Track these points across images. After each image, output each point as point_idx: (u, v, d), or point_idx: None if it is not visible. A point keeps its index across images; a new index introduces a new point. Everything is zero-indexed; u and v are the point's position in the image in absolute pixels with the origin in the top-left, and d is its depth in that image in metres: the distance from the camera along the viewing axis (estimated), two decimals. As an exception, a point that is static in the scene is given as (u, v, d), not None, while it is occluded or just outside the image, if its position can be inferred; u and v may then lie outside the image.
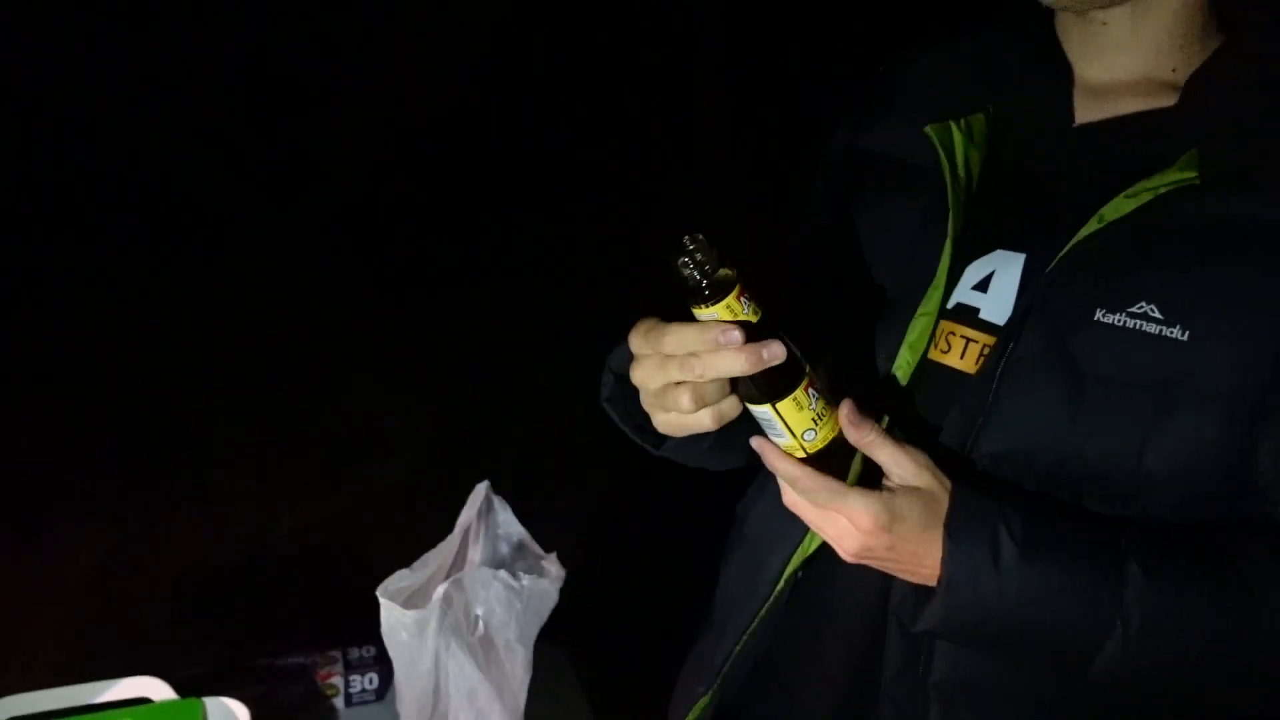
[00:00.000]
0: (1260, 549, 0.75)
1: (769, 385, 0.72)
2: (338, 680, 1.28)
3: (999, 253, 0.83)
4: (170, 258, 4.93)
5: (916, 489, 0.74)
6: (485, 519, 1.14)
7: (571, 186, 5.91)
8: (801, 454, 0.74)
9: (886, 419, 0.83)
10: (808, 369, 0.72)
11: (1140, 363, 0.75)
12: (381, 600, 1.01)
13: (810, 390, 0.72)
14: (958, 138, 0.85)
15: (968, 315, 0.84)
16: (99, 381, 3.78)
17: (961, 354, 0.83)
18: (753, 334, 0.70)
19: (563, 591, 1.06)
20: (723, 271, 0.69)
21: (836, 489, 0.73)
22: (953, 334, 0.84)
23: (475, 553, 1.12)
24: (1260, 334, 0.73)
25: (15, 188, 5.18)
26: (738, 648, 0.95)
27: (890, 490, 0.74)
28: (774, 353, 0.69)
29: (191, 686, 1.05)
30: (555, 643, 1.16)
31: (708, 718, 0.99)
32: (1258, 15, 0.83)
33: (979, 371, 0.81)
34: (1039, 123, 0.87)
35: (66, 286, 4.64)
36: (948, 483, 0.75)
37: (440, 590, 0.99)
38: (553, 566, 1.09)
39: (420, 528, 1.24)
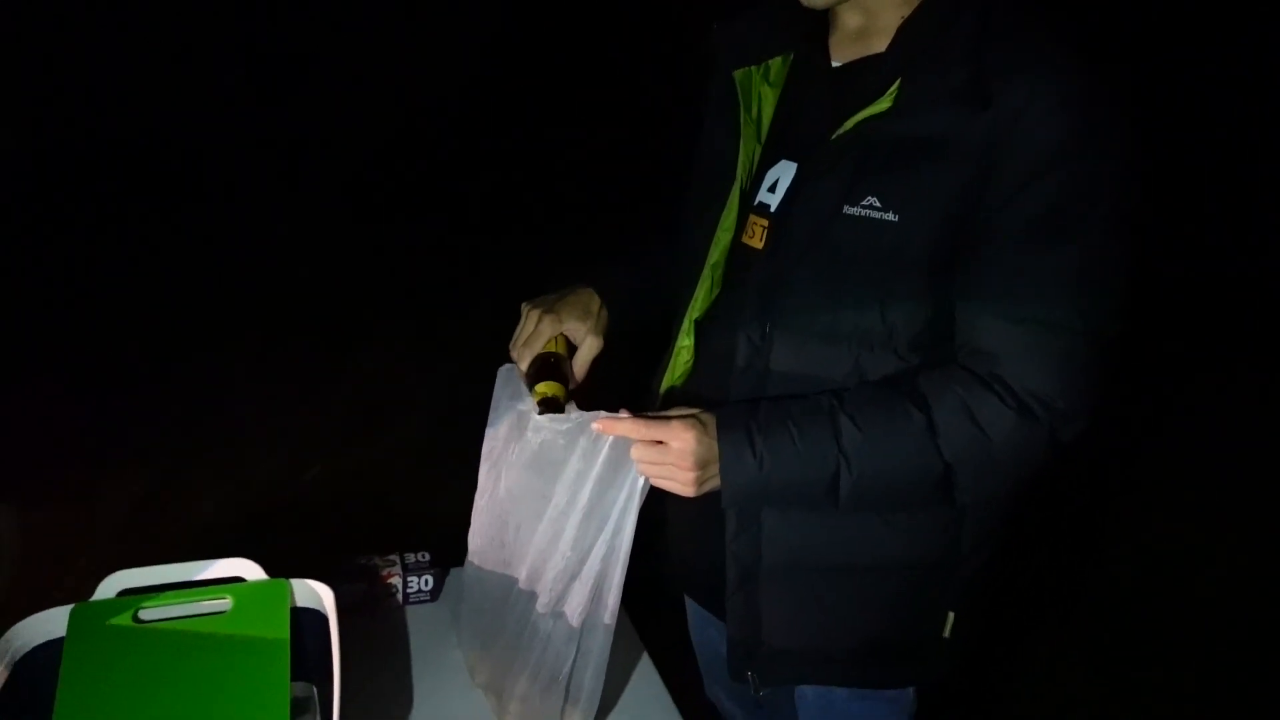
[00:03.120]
0: (940, 377, 1.06)
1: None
2: (396, 580, 1.41)
3: (783, 162, 1.16)
4: (195, 224, 5.04)
5: (690, 414, 1.07)
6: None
7: (584, 158, 5.95)
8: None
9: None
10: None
11: (873, 241, 1.05)
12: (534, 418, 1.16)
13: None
14: (755, 79, 1.19)
15: (763, 210, 1.17)
16: (138, 338, 3.92)
17: (758, 237, 1.16)
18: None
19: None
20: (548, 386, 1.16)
21: (657, 418, 1.06)
22: (755, 224, 1.17)
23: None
24: (939, 213, 1.03)
25: (46, 156, 5.24)
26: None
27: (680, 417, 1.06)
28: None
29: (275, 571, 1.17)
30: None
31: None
32: None
33: (764, 245, 1.15)
34: (813, 64, 1.18)
35: (100, 250, 4.74)
36: (710, 410, 1.07)
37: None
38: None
39: (440, 478, 1.32)
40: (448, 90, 6.30)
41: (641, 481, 1.07)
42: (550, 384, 1.16)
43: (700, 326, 1.23)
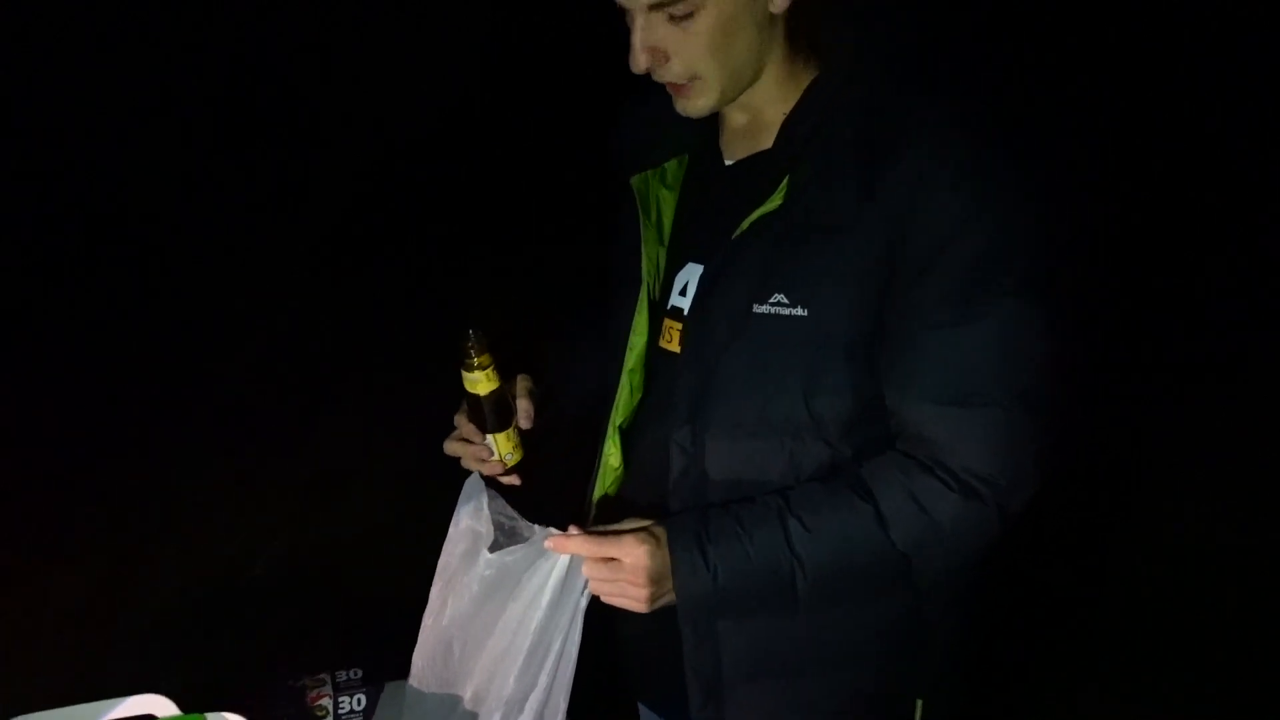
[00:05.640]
0: (881, 466, 1.05)
1: (494, 423, 1.15)
2: (327, 702, 1.32)
3: (690, 265, 1.15)
4: (145, 294, 4.88)
5: (640, 528, 1.04)
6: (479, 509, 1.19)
7: (543, 224, 5.93)
8: (503, 467, 1.17)
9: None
10: (515, 420, 1.17)
11: (786, 336, 1.04)
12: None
13: (515, 431, 1.16)
14: (653, 184, 1.19)
15: (676, 314, 1.15)
16: (84, 417, 3.79)
17: (674, 341, 1.15)
18: (494, 397, 1.13)
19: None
20: (483, 358, 1.12)
21: (608, 533, 1.03)
22: (670, 328, 1.16)
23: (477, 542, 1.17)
24: (847, 303, 1.02)
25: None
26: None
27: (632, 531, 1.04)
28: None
29: (189, 704, 1.09)
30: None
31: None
32: (835, 46, 1.09)
33: (682, 348, 1.12)
34: (706, 165, 1.19)
35: (43, 325, 4.58)
36: (658, 521, 1.05)
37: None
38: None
39: (398, 558, 1.27)
40: (412, 158, 6.24)
41: (585, 600, 1.02)
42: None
43: (625, 434, 1.20)
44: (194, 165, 5.75)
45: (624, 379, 1.18)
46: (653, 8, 1.01)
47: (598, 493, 1.23)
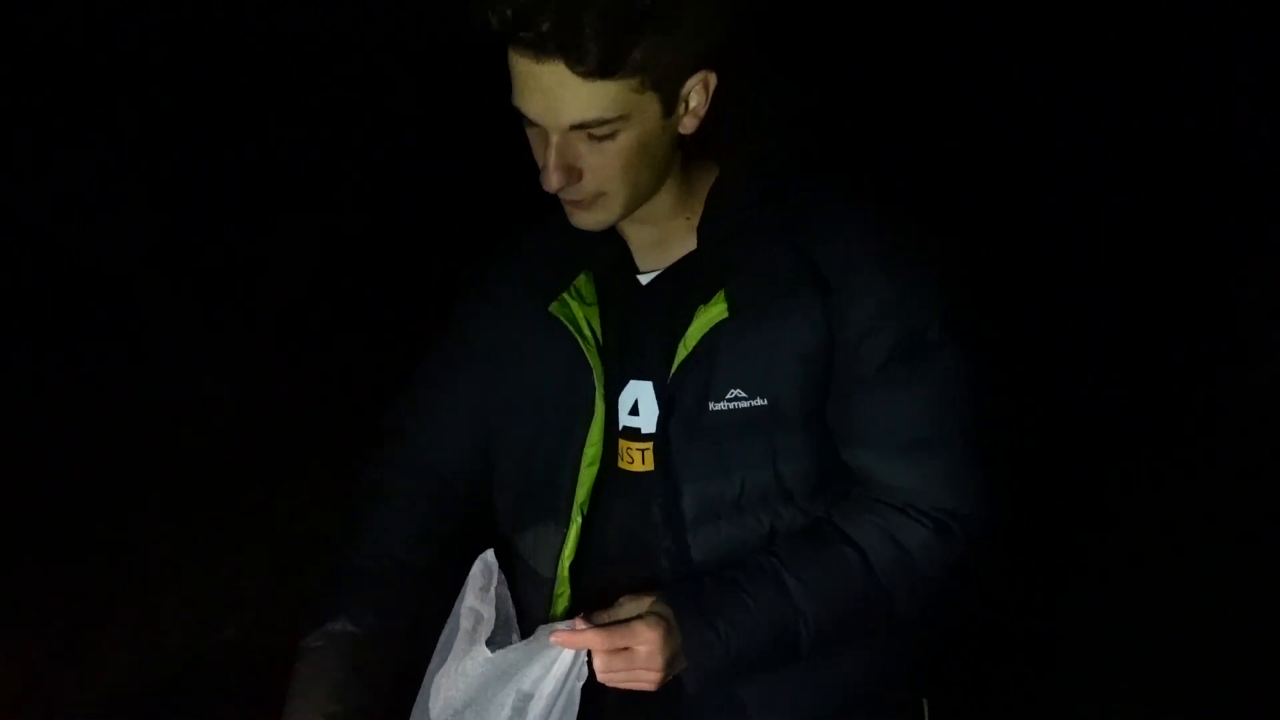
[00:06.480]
0: (854, 510, 1.11)
1: None
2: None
3: (633, 383, 1.15)
4: (100, 364, 4.47)
5: (648, 612, 1.03)
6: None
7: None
8: None
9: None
10: None
11: (749, 423, 1.09)
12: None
13: None
14: (574, 305, 1.15)
15: (633, 433, 1.15)
16: (31, 492, 3.56)
17: (642, 461, 1.14)
18: None
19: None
20: None
21: (618, 626, 1.01)
22: (630, 449, 1.15)
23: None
24: (801, 383, 1.08)
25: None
26: None
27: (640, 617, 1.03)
28: None
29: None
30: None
31: None
32: (734, 143, 1.13)
33: (656, 466, 1.13)
34: (618, 283, 1.18)
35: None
36: (658, 598, 1.05)
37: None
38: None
39: None
40: (360, 244, 5.84)
41: (576, 695, 1.01)
42: None
43: (572, 566, 1.17)
44: (151, 246, 5.29)
45: (575, 512, 1.15)
46: (574, 128, 1.00)
47: None
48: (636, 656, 1.01)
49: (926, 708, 1.26)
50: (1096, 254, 4.57)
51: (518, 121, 1.05)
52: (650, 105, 1.01)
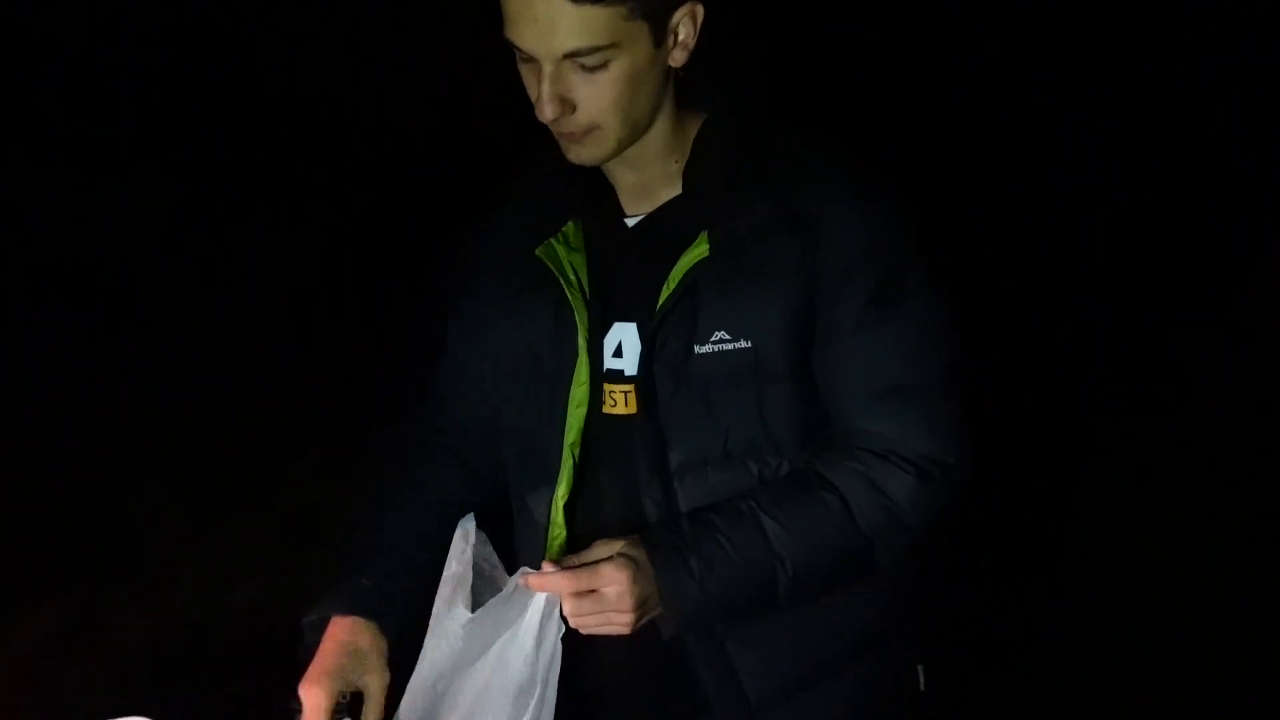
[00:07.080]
0: (837, 458, 1.12)
1: None
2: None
3: (618, 325, 1.17)
4: (108, 340, 4.47)
5: (617, 554, 1.03)
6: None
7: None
8: None
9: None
10: None
11: (734, 368, 1.10)
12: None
13: None
14: (560, 250, 1.16)
15: (616, 376, 1.16)
16: (46, 464, 3.63)
17: (625, 403, 1.15)
18: None
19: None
20: None
21: (585, 568, 1.02)
22: (615, 392, 1.16)
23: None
24: (784, 327, 1.09)
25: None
26: None
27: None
28: None
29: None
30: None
31: None
32: (720, 90, 1.15)
33: (638, 409, 1.14)
34: (606, 226, 1.19)
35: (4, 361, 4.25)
36: (631, 540, 1.05)
37: None
38: None
39: None
40: (368, 226, 5.92)
41: (557, 640, 1.00)
42: None
43: (567, 509, 1.18)
44: (158, 223, 5.44)
45: (565, 453, 1.16)
46: (566, 56, 1.02)
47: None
48: (606, 599, 1.01)
49: (922, 673, 1.25)
50: (1096, 254, 4.57)
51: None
52: (640, 34, 1.03)
